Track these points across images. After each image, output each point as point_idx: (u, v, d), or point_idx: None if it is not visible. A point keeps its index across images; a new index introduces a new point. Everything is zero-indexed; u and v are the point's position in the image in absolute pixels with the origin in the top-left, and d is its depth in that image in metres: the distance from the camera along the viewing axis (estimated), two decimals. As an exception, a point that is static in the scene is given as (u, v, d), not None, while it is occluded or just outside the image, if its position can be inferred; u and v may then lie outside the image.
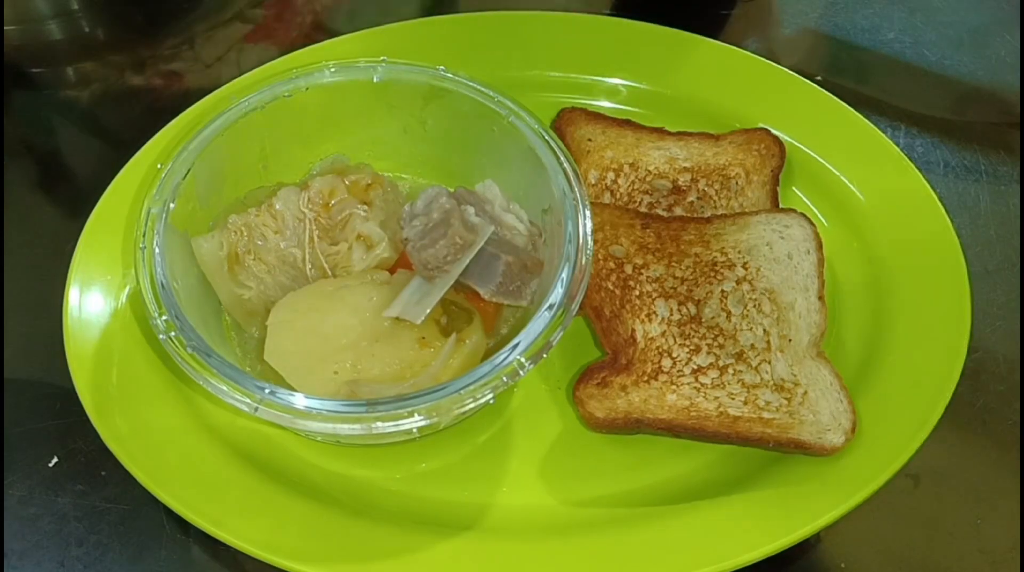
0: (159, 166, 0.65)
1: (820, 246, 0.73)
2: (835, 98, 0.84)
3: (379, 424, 0.55)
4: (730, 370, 0.68)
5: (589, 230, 0.63)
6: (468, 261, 0.64)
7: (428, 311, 0.63)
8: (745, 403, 0.66)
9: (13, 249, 0.80)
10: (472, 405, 0.56)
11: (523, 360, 0.57)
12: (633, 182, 0.80)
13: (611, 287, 0.72)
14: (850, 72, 0.98)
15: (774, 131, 0.82)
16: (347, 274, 0.67)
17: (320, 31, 1.02)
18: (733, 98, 0.86)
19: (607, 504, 0.64)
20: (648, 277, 0.73)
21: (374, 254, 0.67)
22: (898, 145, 0.81)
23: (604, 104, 0.87)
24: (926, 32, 1.02)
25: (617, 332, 0.71)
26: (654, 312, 0.71)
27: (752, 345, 0.69)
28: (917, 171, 0.79)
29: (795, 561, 0.64)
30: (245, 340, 0.68)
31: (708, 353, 0.69)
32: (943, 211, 0.76)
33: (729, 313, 0.71)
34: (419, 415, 0.55)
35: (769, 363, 0.68)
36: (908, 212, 0.77)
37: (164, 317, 0.59)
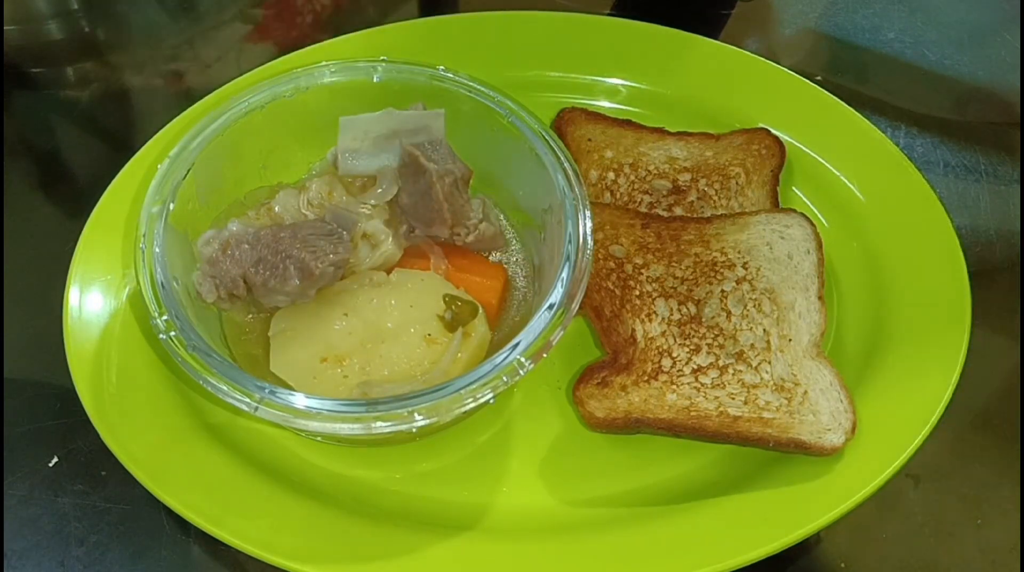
0: (159, 166, 0.65)
1: (820, 246, 0.73)
2: (835, 98, 0.84)
3: (379, 424, 0.55)
4: (730, 370, 0.68)
5: (589, 230, 0.63)
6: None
7: None
8: (745, 403, 0.66)
9: (13, 249, 0.80)
10: (472, 405, 0.56)
11: (523, 360, 0.57)
12: (633, 182, 0.80)
13: (611, 287, 0.72)
14: (850, 72, 0.98)
15: (774, 131, 0.82)
16: (352, 273, 0.67)
17: (320, 31, 1.02)
18: (733, 98, 0.86)
19: (607, 504, 0.64)
20: (648, 277, 0.73)
21: (379, 252, 0.68)
22: (898, 145, 0.81)
23: (604, 104, 0.87)
24: (926, 32, 1.02)
25: (617, 332, 0.71)
26: (654, 312, 0.71)
27: (752, 345, 0.69)
28: (917, 171, 0.79)
29: (795, 561, 0.65)
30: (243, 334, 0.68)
31: (708, 353, 0.69)
32: (943, 211, 0.76)
33: (729, 313, 0.71)
34: (419, 415, 0.56)
35: (769, 363, 0.68)
36: (908, 212, 0.77)
37: (164, 317, 0.59)
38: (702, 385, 0.68)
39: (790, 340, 0.69)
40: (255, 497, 0.62)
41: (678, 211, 0.79)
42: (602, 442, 0.67)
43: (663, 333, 0.70)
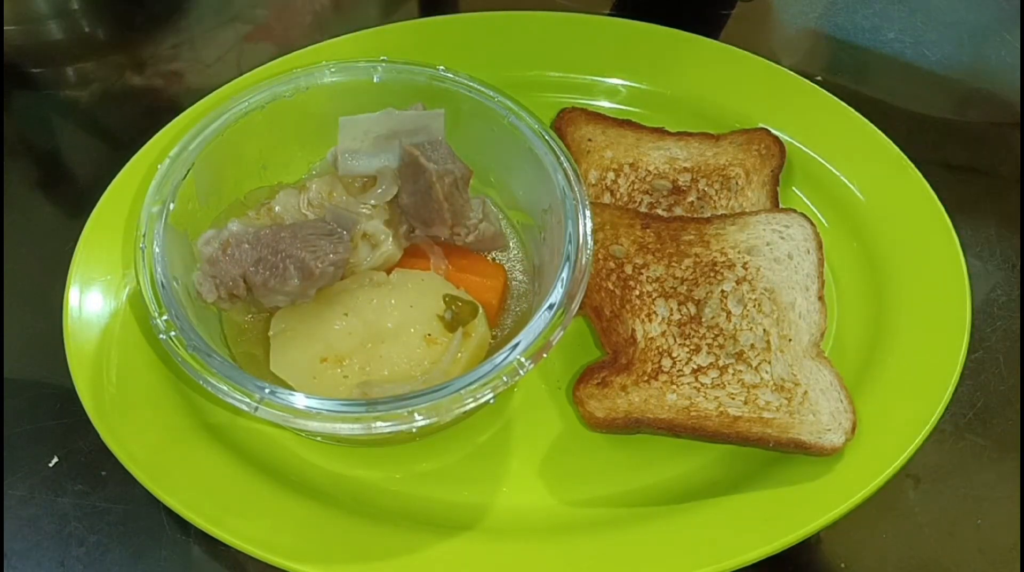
0: (159, 166, 0.65)
1: (820, 246, 0.73)
2: (835, 98, 0.84)
3: (379, 424, 0.55)
4: (730, 370, 0.68)
5: (589, 230, 0.63)
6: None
7: None
8: (745, 403, 0.66)
9: (13, 249, 0.80)
10: (472, 405, 0.56)
11: (523, 360, 0.57)
12: (633, 182, 0.80)
13: (611, 287, 0.72)
14: (850, 72, 0.98)
15: (774, 131, 0.82)
16: (352, 273, 0.67)
17: (320, 31, 1.02)
18: (733, 98, 0.86)
19: (607, 504, 0.64)
20: (648, 277, 0.73)
21: (380, 252, 0.68)
22: (898, 145, 0.81)
23: (604, 104, 0.87)
24: (926, 32, 1.02)
25: (617, 332, 0.71)
26: (654, 312, 0.71)
27: (752, 345, 0.69)
28: (917, 171, 0.79)
29: (795, 561, 0.64)
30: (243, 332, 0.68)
31: (708, 353, 0.69)
32: (943, 211, 0.76)
33: (729, 313, 0.71)
34: (419, 415, 0.56)
35: (769, 363, 0.68)
36: (908, 212, 0.77)
37: (164, 317, 0.59)
38: (702, 385, 0.68)
39: (790, 340, 0.69)
40: (255, 497, 0.62)
41: (678, 211, 0.79)
42: (602, 442, 0.67)
43: (663, 333, 0.70)
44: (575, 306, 0.60)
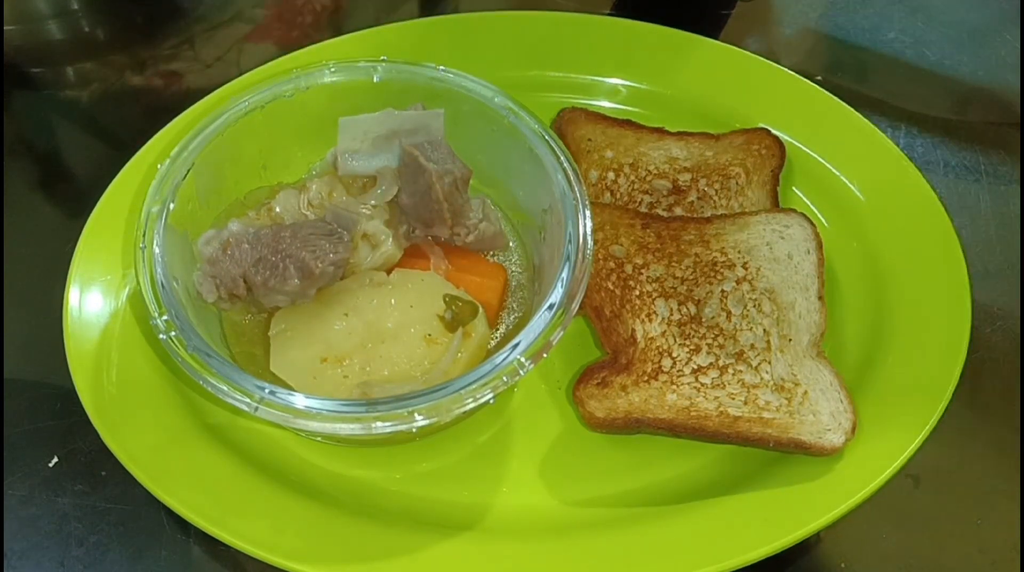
0: (159, 166, 0.65)
1: (820, 246, 0.73)
2: (835, 98, 0.84)
3: (379, 424, 0.55)
4: (730, 370, 0.68)
5: (589, 230, 0.63)
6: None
7: None
8: (745, 403, 0.66)
9: (13, 249, 0.80)
10: (472, 405, 0.56)
11: (523, 360, 0.57)
12: (633, 182, 0.80)
13: (611, 287, 0.72)
14: (850, 72, 0.98)
15: (774, 131, 0.82)
16: (352, 273, 0.67)
17: (320, 31, 1.02)
18: (733, 98, 0.86)
19: (607, 504, 0.64)
20: (648, 277, 0.73)
21: (380, 252, 0.68)
22: (898, 145, 0.81)
23: (604, 104, 0.87)
24: (926, 32, 1.02)
25: (617, 332, 0.71)
26: (654, 312, 0.71)
27: (752, 345, 0.69)
28: (917, 171, 0.79)
29: (795, 561, 0.65)
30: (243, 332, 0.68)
31: (708, 353, 0.69)
32: (943, 211, 0.76)
33: (729, 313, 0.71)
34: (419, 415, 0.56)
35: (769, 363, 0.68)
36: (908, 212, 0.77)
37: (164, 317, 0.59)
38: (702, 385, 0.68)
39: (790, 340, 0.69)
40: (255, 497, 0.62)
41: (678, 211, 0.79)
42: (602, 442, 0.67)
43: (663, 333, 0.70)
44: (575, 306, 0.60)
